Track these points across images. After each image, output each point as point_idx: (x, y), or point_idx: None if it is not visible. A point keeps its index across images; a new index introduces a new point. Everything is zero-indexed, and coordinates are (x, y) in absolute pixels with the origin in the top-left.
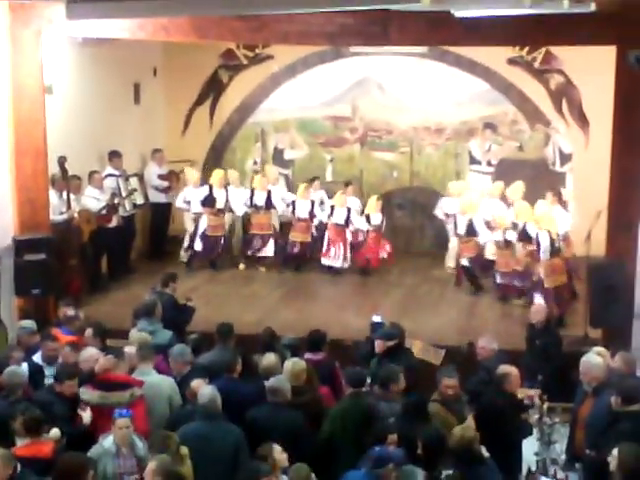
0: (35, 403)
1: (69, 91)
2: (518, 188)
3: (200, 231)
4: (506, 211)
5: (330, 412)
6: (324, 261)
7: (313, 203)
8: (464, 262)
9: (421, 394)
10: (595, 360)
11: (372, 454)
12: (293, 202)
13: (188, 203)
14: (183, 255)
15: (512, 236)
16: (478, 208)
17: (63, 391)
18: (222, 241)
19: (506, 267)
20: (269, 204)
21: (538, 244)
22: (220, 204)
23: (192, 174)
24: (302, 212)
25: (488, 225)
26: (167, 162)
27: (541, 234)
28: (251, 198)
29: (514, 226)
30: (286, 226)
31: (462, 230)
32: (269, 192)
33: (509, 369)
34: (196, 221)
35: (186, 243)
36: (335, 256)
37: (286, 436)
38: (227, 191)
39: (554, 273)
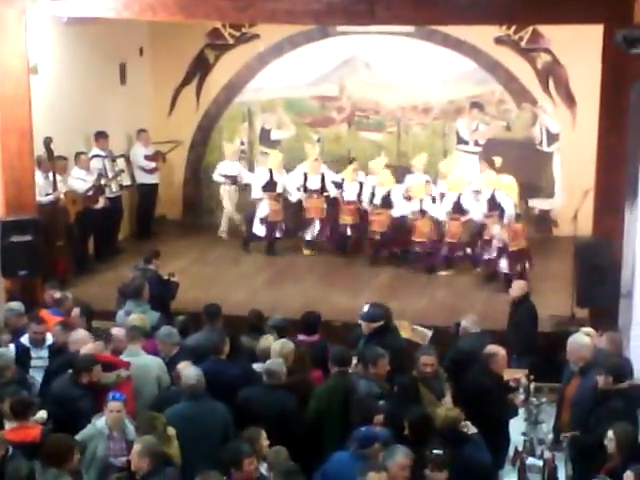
0: (59, 399)
1: (54, 71)
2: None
3: (261, 215)
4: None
5: (316, 391)
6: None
7: (361, 185)
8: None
9: (412, 376)
10: (583, 340)
11: (358, 434)
12: (341, 184)
13: (226, 177)
14: (222, 231)
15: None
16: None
17: (91, 379)
18: (283, 226)
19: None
20: (323, 188)
21: (502, 210)
22: (279, 188)
23: (229, 148)
24: (350, 195)
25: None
26: (153, 142)
27: (506, 201)
28: (305, 182)
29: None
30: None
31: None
32: (322, 175)
33: (495, 349)
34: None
35: (225, 222)
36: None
37: (277, 418)
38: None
39: (517, 238)
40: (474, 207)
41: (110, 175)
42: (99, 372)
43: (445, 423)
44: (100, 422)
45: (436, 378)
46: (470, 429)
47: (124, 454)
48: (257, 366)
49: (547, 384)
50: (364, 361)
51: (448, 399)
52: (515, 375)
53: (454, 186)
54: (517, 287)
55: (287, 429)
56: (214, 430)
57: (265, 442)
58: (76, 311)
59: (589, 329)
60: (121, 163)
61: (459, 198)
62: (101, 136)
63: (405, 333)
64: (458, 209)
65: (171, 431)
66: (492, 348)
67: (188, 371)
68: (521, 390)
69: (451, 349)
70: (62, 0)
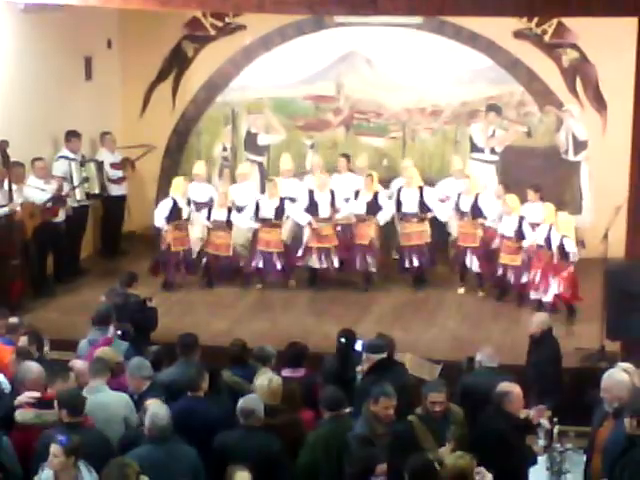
0: None
1: (9, 65)
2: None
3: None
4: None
5: (308, 439)
6: None
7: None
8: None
9: (410, 422)
10: (620, 377)
11: None
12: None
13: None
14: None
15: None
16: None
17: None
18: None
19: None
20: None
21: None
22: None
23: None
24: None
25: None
26: (122, 147)
27: (567, 241)
28: (311, 202)
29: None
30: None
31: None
32: (332, 192)
33: (509, 387)
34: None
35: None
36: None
37: (260, 464)
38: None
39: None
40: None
41: (76, 182)
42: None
43: (454, 473)
44: (45, 474)
45: (444, 419)
46: (486, 476)
47: None
48: None
49: (573, 427)
50: (367, 398)
51: (448, 447)
52: (535, 413)
53: (516, 206)
54: (537, 322)
55: (272, 476)
56: (182, 477)
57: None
58: (24, 340)
59: (627, 365)
60: (91, 169)
61: (521, 222)
62: (73, 136)
63: (410, 368)
64: (520, 234)
65: None
66: (505, 386)
67: (155, 409)
68: (541, 435)
69: (461, 386)
70: None
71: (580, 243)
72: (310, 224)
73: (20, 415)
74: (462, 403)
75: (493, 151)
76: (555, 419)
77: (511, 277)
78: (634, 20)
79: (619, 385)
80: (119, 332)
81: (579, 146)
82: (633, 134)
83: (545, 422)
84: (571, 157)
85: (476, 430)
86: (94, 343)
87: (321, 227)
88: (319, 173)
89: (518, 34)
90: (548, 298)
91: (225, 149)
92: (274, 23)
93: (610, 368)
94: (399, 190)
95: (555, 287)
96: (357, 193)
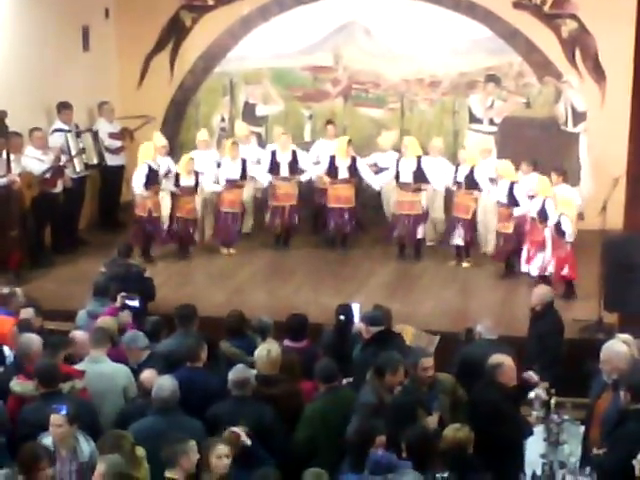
0: None
1: (6, 36)
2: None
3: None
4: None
5: (305, 413)
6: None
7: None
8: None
9: (416, 392)
10: (619, 348)
11: (374, 458)
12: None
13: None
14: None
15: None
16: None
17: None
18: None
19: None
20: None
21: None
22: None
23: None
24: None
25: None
26: (120, 118)
27: (564, 219)
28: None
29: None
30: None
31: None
32: (294, 153)
33: (501, 358)
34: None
35: None
36: None
37: (253, 434)
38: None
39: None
40: (524, 201)
41: (73, 152)
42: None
43: (453, 445)
44: (47, 440)
45: (432, 389)
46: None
47: (73, 479)
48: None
49: (570, 399)
50: (380, 368)
51: (434, 417)
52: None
53: (507, 173)
54: (539, 295)
55: (265, 446)
56: None
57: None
58: (29, 311)
59: (627, 336)
60: (87, 139)
61: (512, 188)
62: (64, 107)
63: (408, 339)
64: (512, 201)
65: (140, 452)
66: (497, 358)
67: (161, 381)
68: (538, 406)
69: (459, 357)
70: None
71: (578, 215)
72: (270, 183)
73: (19, 386)
74: (460, 374)
75: (492, 122)
76: (552, 390)
77: (501, 243)
78: None
79: (618, 356)
80: (132, 303)
81: (578, 117)
82: (632, 105)
83: (542, 393)
84: (570, 128)
85: (469, 401)
86: (93, 314)
87: (280, 185)
88: (282, 135)
89: (517, 4)
90: (535, 272)
91: (223, 119)
92: None
93: (608, 340)
94: (398, 160)
95: (543, 262)
96: (332, 158)
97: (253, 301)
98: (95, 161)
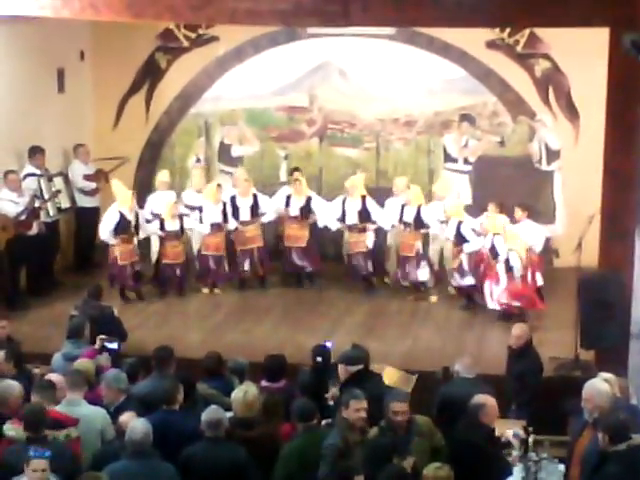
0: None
1: None
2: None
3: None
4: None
5: (283, 452)
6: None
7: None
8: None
9: (393, 432)
10: (601, 386)
11: None
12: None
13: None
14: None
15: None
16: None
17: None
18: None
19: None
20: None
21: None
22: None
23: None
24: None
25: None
26: (95, 159)
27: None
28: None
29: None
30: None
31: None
32: (255, 196)
33: (484, 399)
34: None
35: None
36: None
37: (227, 477)
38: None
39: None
40: (473, 238)
41: (46, 196)
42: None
43: None
44: None
45: (408, 431)
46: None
47: None
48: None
49: (548, 437)
50: (338, 405)
51: (409, 460)
52: (508, 433)
53: (455, 212)
54: (518, 334)
55: None
56: None
57: None
58: (2, 355)
59: (609, 375)
60: (58, 183)
61: (459, 226)
62: (36, 152)
63: (389, 380)
64: (460, 238)
65: None
66: (480, 398)
67: (134, 423)
68: (516, 444)
69: (439, 396)
70: None
71: (554, 252)
72: (236, 228)
73: (12, 431)
74: (440, 414)
75: (466, 161)
76: (530, 429)
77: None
78: (605, 31)
79: (600, 395)
80: (111, 345)
81: (552, 156)
82: (605, 143)
83: (520, 432)
84: (544, 167)
85: (452, 442)
86: (68, 357)
87: (245, 229)
88: (242, 181)
89: (490, 44)
90: (493, 305)
91: (198, 160)
92: (247, 34)
93: (585, 377)
94: (343, 201)
95: (499, 295)
96: (288, 197)
97: (230, 341)
98: (68, 204)
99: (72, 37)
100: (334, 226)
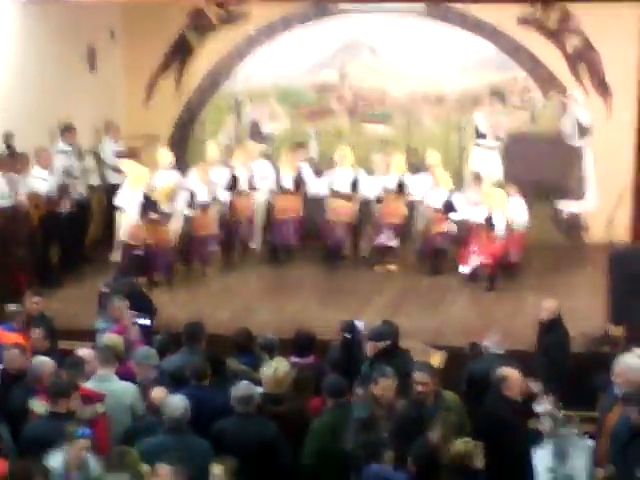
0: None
1: (13, 57)
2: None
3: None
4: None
5: (313, 427)
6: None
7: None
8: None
9: (419, 406)
10: (633, 362)
11: (370, 473)
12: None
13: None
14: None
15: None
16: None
17: (58, 411)
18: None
19: None
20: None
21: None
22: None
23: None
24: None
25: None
26: (126, 137)
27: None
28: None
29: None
30: None
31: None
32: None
33: (506, 372)
34: None
35: None
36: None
37: (256, 451)
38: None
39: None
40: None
41: (77, 174)
42: (77, 402)
43: (459, 458)
44: (55, 460)
45: (434, 405)
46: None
47: None
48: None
49: (578, 413)
50: (366, 381)
51: (434, 433)
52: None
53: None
54: (547, 309)
55: (269, 464)
56: (194, 468)
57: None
58: (38, 332)
59: None
60: (90, 160)
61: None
62: (68, 129)
63: (416, 354)
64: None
65: (145, 468)
66: (503, 371)
67: (172, 400)
68: (546, 419)
69: (467, 372)
70: None
71: (584, 228)
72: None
73: (42, 407)
74: (468, 390)
75: (497, 137)
76: (560, 404)
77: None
78: (638, 6)
79: (632, 370)
80: (143, 321)
81: (583, 132)
82: (637, 119)
83: (550, 407)
84: (575, 143)
85: (479, 416)
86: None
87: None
88: (240, 152)
89: (522, 20)
90: (467, 270)
91: (229, 138)
92: (277, 12)
93: (614, 353)
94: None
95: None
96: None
97: (259, 318)
98: (98, 182)
99: (103, 16)
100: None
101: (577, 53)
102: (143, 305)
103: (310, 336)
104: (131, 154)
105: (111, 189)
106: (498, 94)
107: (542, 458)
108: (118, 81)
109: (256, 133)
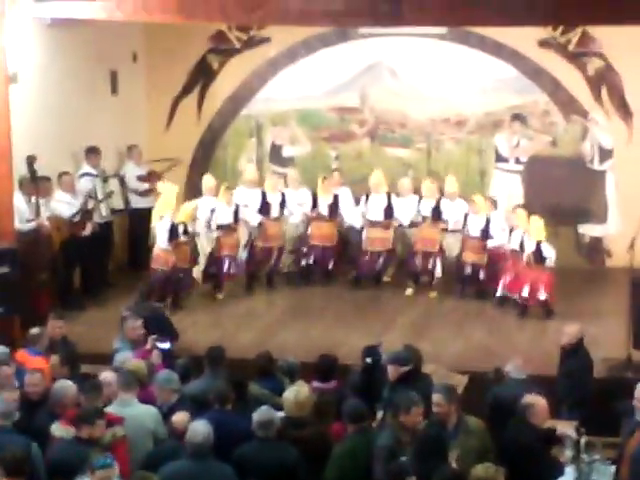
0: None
1: (36, 80)
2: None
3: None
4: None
5: (334, 453)
6: None
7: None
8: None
9: (438, 427)
10: None
11: None
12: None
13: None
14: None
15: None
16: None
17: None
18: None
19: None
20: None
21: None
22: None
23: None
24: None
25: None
26: (148, 160)
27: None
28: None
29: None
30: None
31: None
32: (283, 194)
33: (533, 399)
34: None
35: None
36: None
37: (276, 476)
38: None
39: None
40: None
41: (100, 197)
42: (102, 427)
43: None
44: None
45: (455, 428)
46: None
47: None
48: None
49: (600, 438)
50: (395, 408)
51: (451, 456)
52: (562, 427)
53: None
54: (569, 333)
55: None
56: None
57: None
58: (55, 359)
59: None
60: (114, 184)
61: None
62: (92, 152)
63: (437, 379)
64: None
65: None
66: (529, 399)
67: (195, 425)
68: (569, 445)
69: (490, 397)
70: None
71: (606, 252)
72: (260, 224)
73: (61, 431)
74: (492, 415)
75: (518, 161)
76: (582, 429)
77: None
78: None
79: None
80: (163, 345)
81: (605, 155)
82: None
83: (572, 433)
84: (597, 166)
85: (502, 442)
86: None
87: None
88: (270, 176)
89: (542, 43)
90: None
91: (251, 161)
92: (299, 35)
93: (637, 378)
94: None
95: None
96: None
97: (281, 341)
98: (121, 206)
99: (125, 39)
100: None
101: (598, 75)
102: (164, 329)
103: (331, 360)
104: (153, 177)
105: (134, 213)
106: (519, 117)
107: None
108: (140, 104)
109: (277, 156)
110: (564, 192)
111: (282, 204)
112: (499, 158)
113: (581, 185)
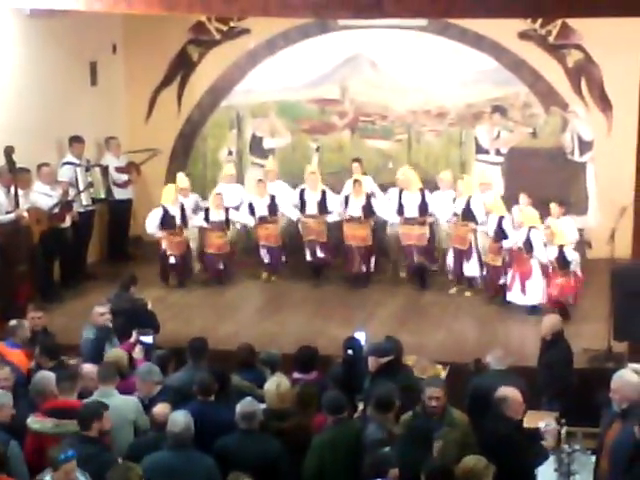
0: None
1: (15, 71)
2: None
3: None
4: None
5: (314, 443)
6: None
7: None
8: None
9: (427, 418)
10: (630, 377)
11: None
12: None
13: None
14: None
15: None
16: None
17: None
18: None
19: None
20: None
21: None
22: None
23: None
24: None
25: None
26: (128, 152)
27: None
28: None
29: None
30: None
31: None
32: (323, 192)
33: (505, 392)
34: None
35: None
36: None
37: (259, 468)
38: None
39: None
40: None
41: (81, 187)
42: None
43: (469, 475)
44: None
45: (440, 419)
46: None
47: None
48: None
49: (580, 428)
50: (380, 404)
51: (435, 446)
52: (539, 422)
53: (496, 207)
54: (549, 324)
55: None
56: None
57: None
58: (37, 350)
59: (638, 365)
60: (96, 174)
61: (500, 222)
62: (76, 141)
63: (417, 370)
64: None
65: None
66: (503, 392)
67: (175, 416)
68: (549, 436)
69: (470, 388)
70: None
71: (587, 244)
72: (299, 219)
73: (37, 424)
74: (472, 406)
75: (498, 152)
76: (563, 420)
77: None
78: (638, 20)
79: (629, 386)
80: (146, 339)
81: (585, 147)
82: (638, 134)
83: (552, 423)
84: (577, 158)
85: (483, 434)
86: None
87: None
88: (310, 174)
89: (522, 35)
90: (531, 302)
91: (230, 153)
92: (279, 27)
93: (617, 369)
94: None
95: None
96: (347, 198)
97: (262, 333)
98: (103, 196)
99: (104, 30)
100: (394, 219)
101: (578, 67)
102: (144, 321)
103: (312, 352)
104: (132, 168)
105: (114, 204)
106: (499, 109)
107: (545, 474)
108: (120, 95)
109: (257, 147)
110: (544, 184)
111: (272, 206)
112: (479, 150)
113: (561, 177)
